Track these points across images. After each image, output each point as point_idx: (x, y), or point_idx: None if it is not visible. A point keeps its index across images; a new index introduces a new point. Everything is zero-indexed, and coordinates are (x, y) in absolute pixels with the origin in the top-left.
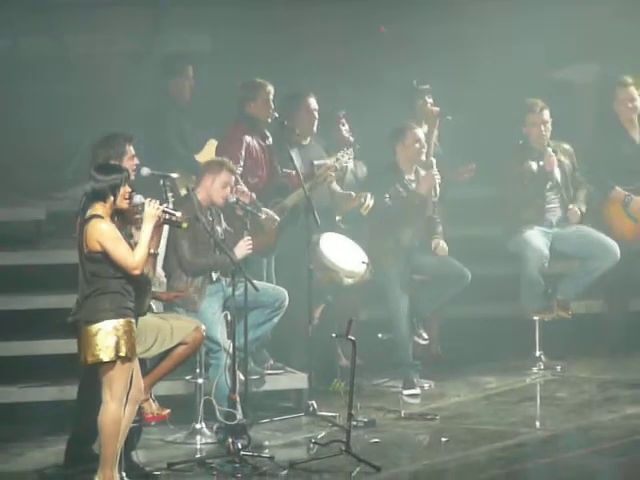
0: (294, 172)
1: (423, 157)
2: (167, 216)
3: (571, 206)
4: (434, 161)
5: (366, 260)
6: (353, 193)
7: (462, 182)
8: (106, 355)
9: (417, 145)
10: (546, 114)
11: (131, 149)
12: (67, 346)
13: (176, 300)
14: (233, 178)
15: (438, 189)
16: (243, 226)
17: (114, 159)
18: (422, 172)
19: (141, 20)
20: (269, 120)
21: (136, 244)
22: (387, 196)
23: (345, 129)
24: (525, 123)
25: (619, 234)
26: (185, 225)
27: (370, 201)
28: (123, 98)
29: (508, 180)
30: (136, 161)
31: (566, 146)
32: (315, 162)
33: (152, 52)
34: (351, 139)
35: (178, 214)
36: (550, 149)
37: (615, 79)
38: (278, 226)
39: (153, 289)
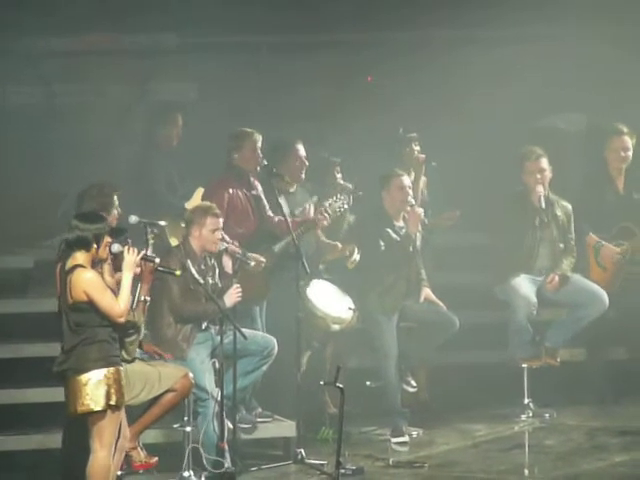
0: (282, 219)
1: (412, 201)
2: (150, 263)
3: (551, 276)
4: (422, 211)
5: (352, 306)
6: (339, 244)
7: (445, 228)
8: (97, 405)
9: (402, 192)
10: (543, 162)
11: (116, 199)
12: (55, 394)
13: (155, 355)
14: (221, 220)
15: (419, 235)
16: (233, 274)
17: (101, 209)
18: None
19: (129, 69)
20: (257, 168)
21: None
22: (382, 243)
23: (340, 177)
24: (522, 171)
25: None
26: (179, 272)
27: (357, 256)
28: (111, 146)
29: (502, 226)
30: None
31: (565, 203)
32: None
33: (140, 101)
34: (349, 186)
35: (157, 260)
36: (540, 186)
37: (608, 127)
38: (267, 272)
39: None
